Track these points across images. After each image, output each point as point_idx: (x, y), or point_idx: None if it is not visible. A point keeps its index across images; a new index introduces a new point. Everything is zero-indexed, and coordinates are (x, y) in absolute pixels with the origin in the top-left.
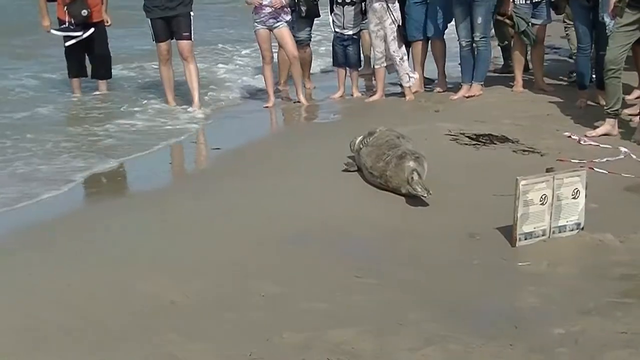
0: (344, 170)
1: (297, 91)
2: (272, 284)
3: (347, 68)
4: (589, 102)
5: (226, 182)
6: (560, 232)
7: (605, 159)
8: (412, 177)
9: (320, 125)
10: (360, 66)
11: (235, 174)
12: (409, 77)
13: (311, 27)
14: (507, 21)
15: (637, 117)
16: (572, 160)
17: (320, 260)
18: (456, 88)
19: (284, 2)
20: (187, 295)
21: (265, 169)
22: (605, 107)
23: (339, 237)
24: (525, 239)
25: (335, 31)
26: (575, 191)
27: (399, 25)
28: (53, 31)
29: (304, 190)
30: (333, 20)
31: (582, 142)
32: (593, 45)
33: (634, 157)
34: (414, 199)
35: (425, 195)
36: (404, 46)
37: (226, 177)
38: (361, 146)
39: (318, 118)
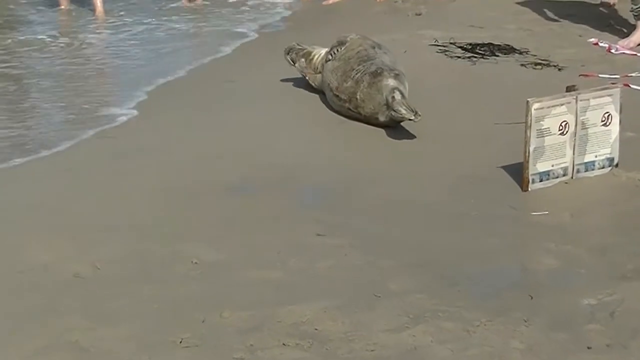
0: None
1: None
2: (207, 248)
3: None
4: None
5: (144, 118)
6: (586, 170)
7: None
8: (394, 97)
9: (263, 38)
10: None
11: (156, 106)
12: None
13: None
14: None
15: None
16: (601, 76)
17: (271, 214)
18: None
19: None
20: (97, 266)
21: (196, 97)
22: (632, 5)
23: (294, 184)
24: (541, 181)
25: None
26: (606, 116)
27: None
28: None
29: (246, 123)
30: None
31: (612, 51)
32: None
33: None
34: (394, 131)
35: (413, 117)
36: None
37: (144, 111)
38: (329, 58)
39: (258, 27)
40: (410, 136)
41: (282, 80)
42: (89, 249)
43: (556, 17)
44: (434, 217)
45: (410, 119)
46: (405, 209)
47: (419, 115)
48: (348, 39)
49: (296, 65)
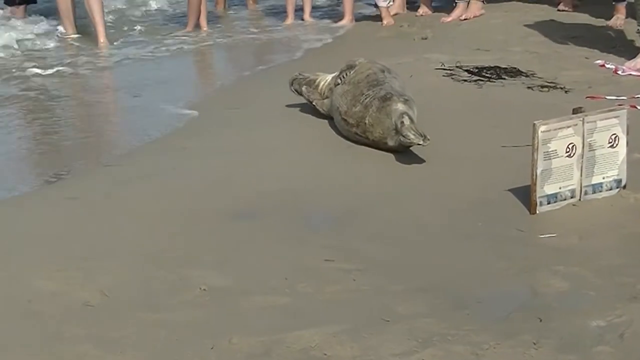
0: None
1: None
2: (215, 274)
3: None
4: (628, 20)
5: (151, 142)
6: (594, 192)
7: None
8: (402, 122)
9: (270, 66)
10: None
11: (168, 132)
12: None
13: None
14: None
15: None
16: (608, 97)
17: (278, 240)
18: (447, 8)
19: None
20: (105, 293)
21: (202, 123)
22: (638, 27)
23: (301, 209)
24: (548, 203)
25: None
26: (613, 137)
27: None
28: None
29: (252, 148)
30: None
31: (619, 72)
32: None
33: None
34: (402, 155)
35: (422, 142)
36: None
37: (151, 135)
38: (338, 82)
39: (266, 54)
40: (419, 160)
41: (288, 106)
42: (96, 277)
43: (562, 40)
44: (442, 240)
45: (419, 144)
46: (413, 232)
47: (428, 140)
48: (357, 62)
49: (303, 94)
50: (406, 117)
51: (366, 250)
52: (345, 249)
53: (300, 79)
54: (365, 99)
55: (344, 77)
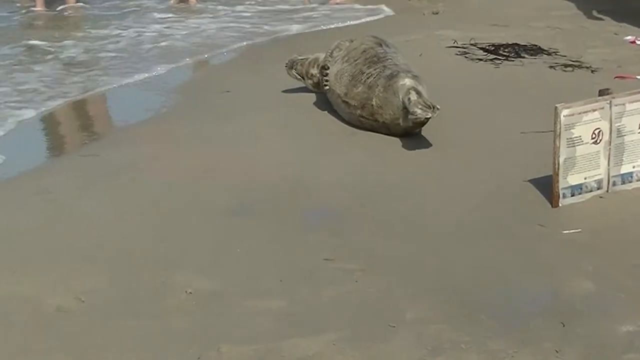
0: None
1: None
2: (202, 276)
3: None
4: None
5: (131, 129)
6: (623, 182)
7: None
8: (409, 98)
9: (266, 44)
10: None
11: (150, 118)
12: None
13: None
14: None
15: None
16: (638, 77)
17: (272, 237)
18: None
19: None
20: (80, 298)
21: (188, 108)
22: None
23: (298, 203)
24: (572, 195)
25: None
26: None
27: None
28: None
29: (243, 136)
30: None
31: None
32: None
33: None
34: (411, 143)
35: (430, 114)
36: None
37: (132, 121)
38: (327, 64)
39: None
40: (429, 148)
41: (284, 91)
42: (72, 280)
43: (588, 14)
44: (454, 237)
45: (427, 117)
46: (422, 228)
47: (437, 109)
48: (342, 43)
49: (308, 78)
50: (413, 92)
51: (370, 249)
52: (346, 247)
53: (301, 60)
54: (368, 78)
55: (332, 55)
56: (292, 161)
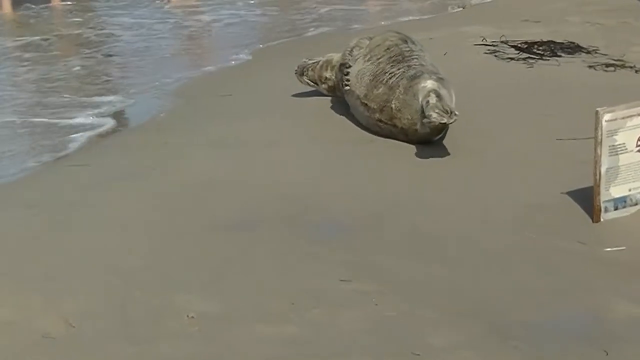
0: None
1: None
2: (205, 298)
3: None
4: None
5: (124, 135)
6: None
7: None
8: (428, 101)
9: (278, 45)
10: None
11: (134, 122)
12: None
13: None
14: None
15: None
16: None
17: (282, 256)
18: None
19: None
20: (70, 323)
21: (187, 112)
22: None
23: (309, 218)
24: (615, 209)
25: None
26: None
27: None
28: None
29: (250, 143)
30: None
31: None
32: None
33: None
34: (433, 150)
35: (446, 120)
36: None
37: (121, 128)
38: (347, 62)
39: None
40: (454, 156)
41: (294, 95)
42: (61, 302)
43: (631, 7)
44: (483, 255)
45: (442, 122)
46: (447, 245)
47: (455, 115)
48: (364, 39)
49: (322, 83)
50: (433, 95)
51: (390, 268)
52: (363, 266)
53: (312, 64)
54: (390, 78)
55: (352, 54)
56: (302, 171)
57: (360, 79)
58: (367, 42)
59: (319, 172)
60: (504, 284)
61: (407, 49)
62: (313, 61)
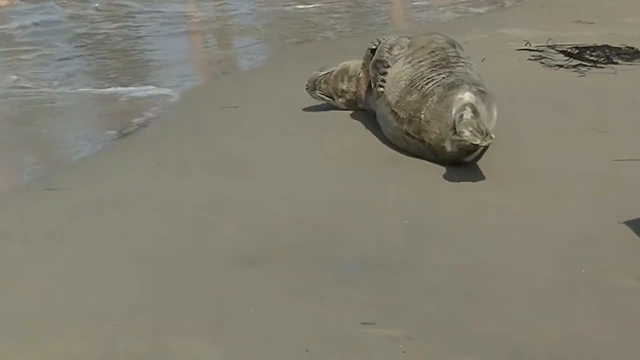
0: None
1: None
2: (207, 343)
3: None
4: None
5: (111, 153)
6: None
7: None
8: (462, 115)
9: (290, 48)
10: None
11: (126, 139)
12: None
13: None
14: None
15: None
16: None
17: (295, 294)
18: None
19: None
20: None
21: (186, 125)
22: None
23: (328, 250)
24: None
25: None
26: None
27: None
28: None
29: (259, 164)
30: None
31: None
32: None
33: None
34: (469, 173)
35: (479, 141)
36: None
37: (107, 148)
38: (386, 62)
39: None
40: (490, 177)
41: (305, 109)
42: (38, 347)
43: None
44: (527, 295)
45: (474, 145)
46: (485, 284)
47: (491, 139)
48: (404, 38)
49: (338, 96)
50: (469, 110)
51: (420, 309)
52: (390, 306)
53: (325, 76)
54: (427, 84)
55: (389, 53)
56: (320, 196)
57: (396, 83)
58: (408, 41)
59: (339, 196)
60: (559, 330)
61: (454, 54)
62: (325, 72)
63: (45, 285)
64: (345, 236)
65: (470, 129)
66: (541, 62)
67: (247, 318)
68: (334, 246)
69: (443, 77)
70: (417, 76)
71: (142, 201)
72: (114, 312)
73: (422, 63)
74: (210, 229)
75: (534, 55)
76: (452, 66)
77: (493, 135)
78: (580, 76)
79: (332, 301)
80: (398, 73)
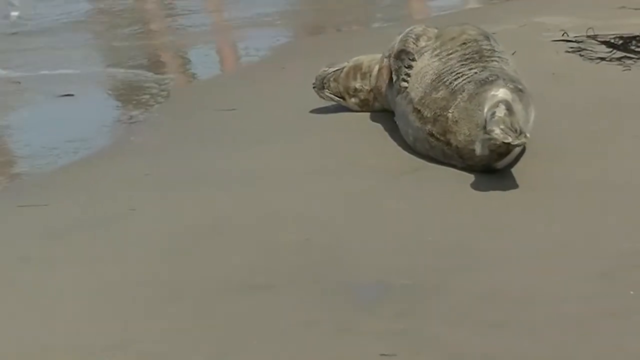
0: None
1: None
2: None
3: None
4: None
5: (92, 164)
6: None
7: None
8: (494, 112)
9: (297, 42)
10: None
11: (114, 147)
12: None
13: None
14: None
15: None
16: None
17: (305, 323)
18: None
19: None
20: None
21: (176, 132)
22: None
23: (340, 274)
24: None
25: None
26: None
27: None
28: None
29: (260, 173)
30: None
31: None
32: None
33: None
34: (498, 181)
35: (511, 139)
36: None
37: (90, 158)
38: (412, 54)
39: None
40: (522, 188)
41: (316, 109)
42: None
43: None
44: (569, 321)
45: (506, 144)
46: (520, 310)
47: (525, 137)
48: (431, 28)
49: (350, 96)
50: (502, 107)
51: (447, 339)
52: (413, 336)
53: (335, 73)
54: (456, 79)
55: (415, 44)
56: (329, 212)
57: (421, 78)
58: (436, 31)
59: (352, 211)
60: (600, 354)
61: (488, 47)
62: (335, 69)
63: (20, 321)
64: (360, 257)
65: (502, 126)
66: (580, 55)
67: (250, 351)
68: (348, 268)
69: (475, 72)
70: (445, 70)
71: (129, 219)
72: (100, 346)
73: (451, 56)
74: (208, 251)
75: (572, 47)
76: (486, 61)
77: (528, 135)
78: (625, 70)
79: (345, 330)
80: (424, 67)
